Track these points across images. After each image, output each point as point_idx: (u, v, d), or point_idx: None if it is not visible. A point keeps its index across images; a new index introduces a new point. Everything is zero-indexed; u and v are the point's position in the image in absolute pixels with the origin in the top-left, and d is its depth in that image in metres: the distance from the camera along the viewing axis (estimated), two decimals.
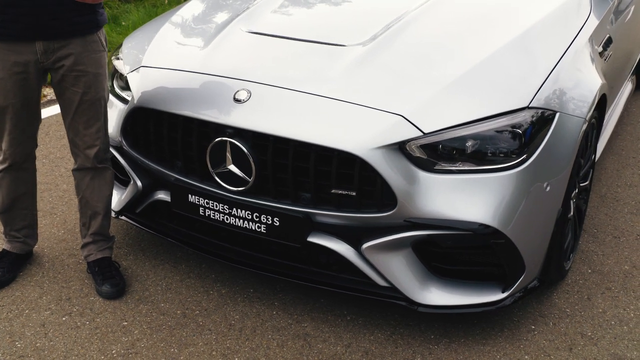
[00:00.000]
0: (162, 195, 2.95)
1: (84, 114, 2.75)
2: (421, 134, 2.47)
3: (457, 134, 2.50)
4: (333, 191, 2.52)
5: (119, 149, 3.04)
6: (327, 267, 2.74)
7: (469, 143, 2.50)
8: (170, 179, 2.83)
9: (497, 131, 2.52)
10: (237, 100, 2.64)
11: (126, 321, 2.81)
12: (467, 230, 2.48)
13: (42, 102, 5.07)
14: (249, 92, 2.65)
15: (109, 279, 2.97)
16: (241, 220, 2.69)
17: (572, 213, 2.99)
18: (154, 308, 2.89)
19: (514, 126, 2.52)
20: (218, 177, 2.68)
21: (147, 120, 2.84)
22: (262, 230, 2.67)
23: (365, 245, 2.58)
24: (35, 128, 2.86)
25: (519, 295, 2.70)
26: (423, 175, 2.48)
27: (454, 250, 2.65)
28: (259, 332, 2.76)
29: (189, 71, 2.86)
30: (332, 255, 2.68)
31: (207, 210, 2.75)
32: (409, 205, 2.47)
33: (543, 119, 2.59)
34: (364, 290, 2.69)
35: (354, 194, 2.50)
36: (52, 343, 2.68)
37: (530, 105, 2.57)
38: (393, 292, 2.64)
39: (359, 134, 2.47)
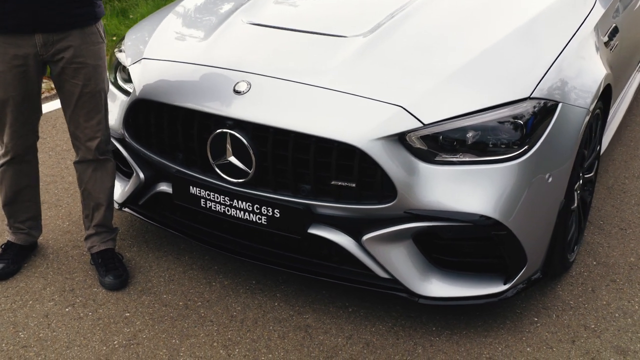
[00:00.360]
0: (164, 187, 2.96)
1: (84, 107, 2.76)
2: (421, 125, 2.46)
3: (457, 125, 2.48)
4: (333, 183, 2.51)
5: (121, 141, 3.05)
6: (328, 258, 2.74)
7: (470, 134, 2.49)
8: (172, 170, 2.83)
9: (499, 122, 2.50)
10: (237, 92, 2.64)
11: (128, 312, 2.82)
12: (468, 221, 2.46)
13: (48, 95, 5.12)
14: (249, 84, 2.65)
15: (112, 270, 2.98)
16: (242, 212, 2.69)
17: (575, 204, 2.96)
18: (157, 299, 2.90)
19: (515, 117, 2.50)
20: (219, 169, 2.68)
21: (149, 112, 2.84)
22: (263, 222, 2.66)
23: (365, 237, 2.58)
24: (36, 121, 2.87)
25: (522, 287, 2.69)
26: (423, 166, 2.47)
27: (455, 242, 2.64)
28: (260, 324, 2.77)
29: (189, 63, 2.86)
30: (332, 247, 2.68)
31: (208, 201, 2.75)
32: (409, 196, 2.46)
33: (545, 110, 2.57)
34: (364, 282, 2.68)
35: (353, 185, 2.49)
36: (55, 333, 2.69)
37: (532, 96, 2.55)
38: (394, 283, 2.63)
39: (359, 125, 2.46)
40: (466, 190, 2.47)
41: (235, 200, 2.68)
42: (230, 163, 2.64)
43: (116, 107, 3.06)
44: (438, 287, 2.62)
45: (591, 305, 2.90)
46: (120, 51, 3.25)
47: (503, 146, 2.49)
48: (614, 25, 3.42)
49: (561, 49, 2.81)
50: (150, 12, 7.39)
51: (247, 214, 2.68)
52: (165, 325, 2.75)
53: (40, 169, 3.95)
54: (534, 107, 2.54)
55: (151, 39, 3.13)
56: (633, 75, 4.56)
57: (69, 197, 3.72)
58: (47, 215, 3.52)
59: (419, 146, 2.48)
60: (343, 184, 2.51)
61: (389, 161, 2.43)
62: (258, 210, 2.65)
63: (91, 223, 3.01)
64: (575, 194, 2.95)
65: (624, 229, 3.47)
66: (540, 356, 2.61)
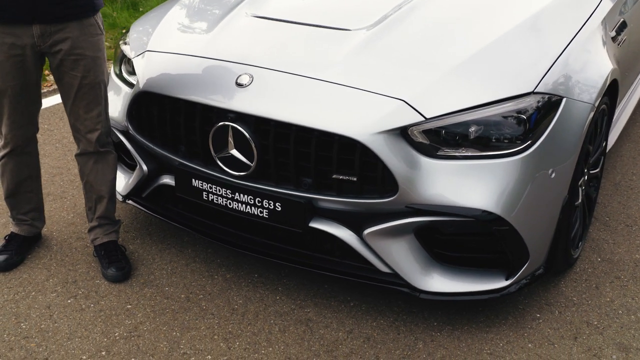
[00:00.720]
0: (167, 180, 2.96)
1: (84, 98, 2.76)
2: (423, 119, 2.44)
3: (460, 119, 2.47)
4: (334, 176, 2.51)
5: (125, 133, 3.05)
6: (330, 253, 2.73)
7: (473, 128, 2.47)
8: (175, 163, 2.83)
9: (502, 116, 2.48)
10: (239, 85, 2.63)
11: (130, 304, 2.83)
12: (470, 216, 2.45)
13: (55, 87, 5.13)
14: (252, 77, 2.64)
15: (114, 262, 2.99)
16: (243, 205, 2.68)
17: (580, 200, 2.94)
18: (159, 292, 2.91)
19: (519, 111, 2.48)
20: (221, 162, 2.68)
21: (152, 105, 2.84)
22: (264, 215, 2.66)
23: (366, 231, 2.57)
24: (35, 112, 2.87)
25: (525, 283, 2.67)
26: (425, 160, 2.46)
27: (457, 237, 2.63)
28: (261, 317, 2.76)
29: (192, 55, 2.85)
30: (334, 241, 2.67)
31: (210, 194, 2.75)
32: (411, 191, 2.45)
33: (549, 105, 2.55)
34: (366, 277, 2.67)
35: (355, 179, 2.48)
36: (56, 325, 2.71)
37: (536, 90, 2.53)
38: (395, 278, 2.62)
39: (360, 119, 2.45)
40: (468, 185, 2.46)
41: (237, 194, 2.68)
42: (232, 156, 2.64)
43: (120, 100, 3.06)
44: (439, 282, 2.61)
45: (594, 302, 2.88)
46: (125, 43, 3.25)
47: (506, 141, 2.47)
48: (622, 20, 3.38)
49: (567, 44, 2.79)
50: None
51: (248, 207, 2.68)
52: (166, 318, 2.75)
53: (46, 161, 4.00)
54: (538, 101, 2.52)
55: (155, 32, 3.13)
56: None
57: (74, 189, 3.73)
58: (52, 207, 3.54)
59: (421, 140, 2.46)
60: (344, 177, 2.50)
61: (391, 155, 2.42)
62: (260, 204, 2.65)
63: (94, 215, 3.02)
64: (580, 189, 2.92)
65: (630, 226, 3.44)
66: (542, 352, 2.59)
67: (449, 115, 2.46)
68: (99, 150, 2.88)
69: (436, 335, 2.68)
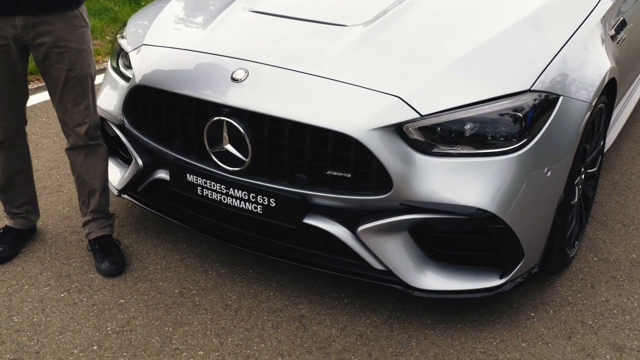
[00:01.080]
0: (163, 174, 2.95)
1: (71, 91, 2.74)
2: (418, 116, 2.43)
3: (455, 117, 2.45)
4: (328, 172, 2.49)
5: (121, 127, 3.04)
6: (324, 249, 2.72)
7: (468, 126, 2.45)
8: (170, 158, 2.82)
9: (498, 114, 2.47)
10: (234, 80, 2.62)
11: (123, 299, 2.82)
12: (464, 214, 2.43)
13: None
14: (247, 72, 2.63)
15: (108, 256, 2.98)
16: (238, 201, 2.67)
17: (576, 199, 2.93)
18: (152, 286, 2.90)
19: (515, 109, 2.47)
20: (215, 157, 2.67)
21: (147, 99, 2.83)
22: (258, 211, 2.65)
23: (361, 228, 2.56)
24: (22, 104, 2.85)
25: (520, 281, 2.66)
26: (420, 158, 2.44)
27: (451, 235, 2.61)
28: (254, 313, 2.76)
29: (188, 50, 2.84)
30: (328, 238, 2.66)
31: (204, 189, 2.74)
32: (405, 188, 2.44)
33: (546, 103, 2.53)
34: (359, 274, 2.66)
35: (349, 175, 2.47)
36: (48, 318, 2.70)
37: (532, 88, 2.51)
38: (389, 275, 2.61)
39: (355, 115, 2.44)
40: (463, 182, 2.44)
41: (231, 189, 2.67)
42: (227, 151, 2.63)
43: (117, 94, 3.05)
44: (433, 280, 2.60)
45: (590, 302, 2.86)
46: (122, 37, 3.23)
47: (502, 139, 2.46)
48: (621, 18, 3.36)
49: (565, 41, 2.77)
50: None
51: (242, 202, 2.67)
52: (159, 313, 2.74)
53: (43, 154, 4.00)
54: (535, 99, 2.50)
55: (152, 26, 3.11)
56: None
57: (70, 182, 3.72)
58: (47, 200, 3.53)
59: (416, 137, 2.45)
60: (339, 174, 2.49)
61: (385, 152, 2.41)
62: (254, 199, 2.64)
63: (88, 209, 3.01)
64: (576, 188, 2.91)
65: (627, 226, 3.43)
66: (535, 351, 2.58)
67: (445, 113, 2.45)
68: (88, 143, 2.86)
69: (429, 333, 2.67)
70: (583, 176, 3.00)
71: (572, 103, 2.62)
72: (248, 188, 2.63)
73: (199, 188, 2.76)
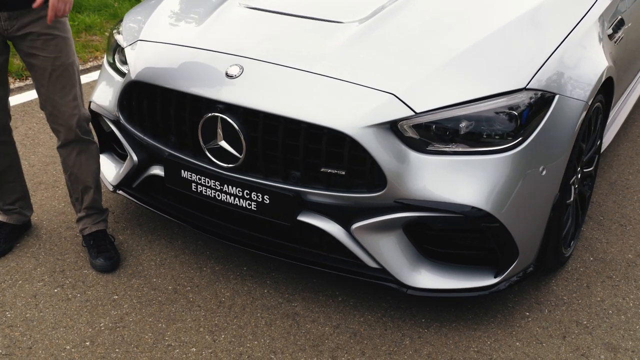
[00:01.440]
0: (157, 171, 2.94)
1: (58, 82, 2.71)
2: (413, 113, 2.42)
3: (450, 115, 2.44)
4: (322, 170, 2.48)
5: (116, 123, 3.03)
6: (318, 247, 2.71)
7: (463, 124, 2.44)
8: (165, 154, 2.81)
9: (493, 112, 2.45)
10: (229, 76, 2.61)
11: (117, 295, 2.81)
12: (459, 213, 2.42)
13: None
14: (241, 68, 2.62)
15: (103, 252, 2.97)
16: (232, 197, 2.67)
17: (572, 199, 2.92)
18: (146, 283, 2.89)
19: (510, 107, 2.46)
20: (210, 153, 2.66)
21: (142, 95, 2.82)
22: (253, 208, 2.64)
23: (355, 226, 2.55)
24: (4, 98, 2.83)
25: (515, 280, 2.65)
26: (414, 155, 2.43)
27: (446, 233, 2.60)
28: (248, 310, 2.75)
29: (183, 45, 2.83)
30: (322, 235, 2.65)
31: (199, 186, 2.73)
32: (399, 186, 2.43)
33: (542, 101, 2.52)
34: (353, 272, 2.65)
35: (343, 173, 2.46)
36: (41, 314, 2.69)
37: (528, 87, 2.50)
38: (383, 273, 2.60)
39: (350, 112, 2.42)
40: (458, 180, 2.43)
41: (225, 185, 2.66)
42: (221, 147, 2.62)
43: (112, 89, 3.05)
44: (427, 279, 2.59)
45: (585, 302, 2.85)
46: (119, 33, 3.22)
47: (497, 137, 2.45)
48: (620, 17, 3.35)
49: (562, 40, 2.76)
50: None
51: (237, 199, 2.66)
52: (152, 309, 2.74)
53: (40, 150, 3.99)
54: (530, 98, 2.49)
55: (148, 21, 3.10)
56: None
57: None
58: (43, 195, 3.52)
59: (410, 135, 2.44)
60: (333, 171, 2.48)
61: (380, 149, 2.40)
62: (248, 196, 2.63)
63: (81, 206, 3.00)
64: (572, 188, 2.90)
65: (624, 225, 3.41)
66: (530, 351, 2.57)
67: (440, 110, 2.44)
68: (80, 137, 2.83)
69: (423, 332, 2.66)
70: (579, 175, 2.99)
71: (568, 102, 2.61)
72: (242, 185, 2.62)
73: (193, 184, 2.75)
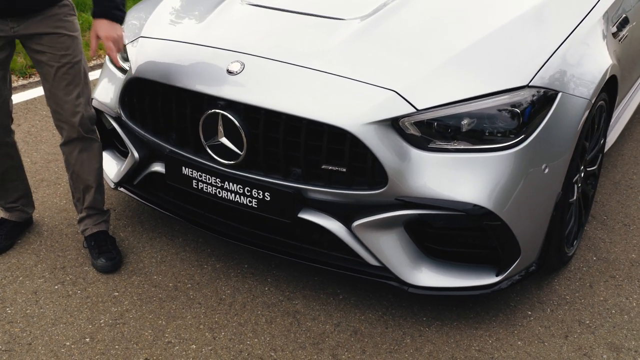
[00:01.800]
0: (158, 168, 2.94)
1: (63, 79, 2.71)
2: (414, 110, 2.40)
3: (452, 112, 2.43)
4: (323, 167, 2.47)
5: (118, 120, 3.03)
6: (319, 244, 2.70)
7: (465, 121, 2.43)
8: (165, 151, 2.80)
9: (495, 110, 2.44)
10: (230, 72, 2.60)
11: (117, 292, 2.81)
12: (460, 210, 2.41)
13: None
14: (242, 64, 2.61)
15: (105, 252, 2.96)
16: (232, 194, 2.66)
17: (575, 197, 2.90)
18: (147, 280, 2.88)
19: (512, 105, 2.44)
20: (210, 150, 2.65)
21: (143, 91, 2.82)
22: (253, 205, 2.63)
23: (355, 223, 2.53)
24: (7, 97, 2.83)
25: (517, 279, 2.63)
26: (416, 153, 2.42)
27: (447, 231, 2.59)
28: (248, 308, 2.74)
29: (185, 42, 2.82)
30: (323, 233, 2.64)
31: (200, 183, 2.73)
32: (401, 183, 2.41)
33: (544, 99, 2.50)
34: (354, 269, 2.64)
35: (344, 170, 2.45)
36: (42, 310, 2.69)
37: (531, 84, 2.49)
38: (384, 271, 2.59)
39: (351, 109, 2.41)
40: (459, 178, 2.42)
41: (226, 182, 2.65)
42: (222, 144, 2.61)
43: (113, 86, 3.04)
44: (428, 277, 2.58)
45: (588, 301, 2.83)
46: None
47: (499, 135, 2.43)
48: (624, 15, 3.33)
49: (565, 37, 2.74)
50: None
51: (237, 196, 2.65)
52: (152, 306, 2.73)
53: (42, 147, 4.00)
54: (533, 95, 2.48)
55: (150, 18, 3.10)
56: None
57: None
58: (45, 192, 3.52)
59: (412, 132, 2.43)
60: (334, 168, 2.46)
61: (381, 146, 2.38)
62: (248, 193, 2.62)
63: (83, 206, 2.99)
64: (575, 186, 2.88)
65: (628, 225, 3.39)
66: (531, 350, 2.56)
67: (441, 107, 2.42)
68: (83, 135, 2.83)
69: (424, 331, 2.65)
70: (582, 174, 2.97)
71: (571, 99, 2.59)
72: (243, 182, 2.61)
73: (194, 181, 2.74)
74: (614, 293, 2.89)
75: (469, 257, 2.62)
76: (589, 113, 2.71)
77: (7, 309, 2.68)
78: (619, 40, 3.21)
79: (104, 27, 2.61)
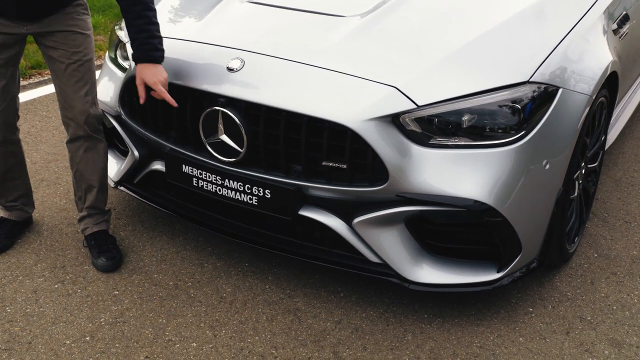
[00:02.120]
0: (159, 166, 2.93)
1: (73, 75, 2.72)
2: (415, 106, 2.40)
3: (453, 108, 2.42)
4: (324, 163, 2.47)
5: (118, 118, 3.02)
6: (320, 241, 2.69)
7: (466, 117, 2.42)
8: (166, 149, 2.80)
9: (496, 105, 2.43)
10: (230, 70, 2.59)
11: (118, 290, 2.80)
12: (462, 206, 2.40)
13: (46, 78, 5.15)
14: (243, 62, 2.60)
15: (105, 252, 2.95)
16: (233, 192, 2.65)
17: (576, 194, 2.89)
18: (147, 278, 2.88)
19: (513, 101, 2.44)
20: (211, 148, 2.65)
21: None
22: (254, 202, 2.62)
23: (356, 220, 2.53)
24: (14, 94, 2.82)
25: (518, 276, 2.63)
26: (416, 149, 2.41)
27: (448, 228, 2.58)
28: (249, 306, 2.73)
29: (185, 40, 2.82)
30: (324, 230, 2.63)
31: (200, 181, 2.72)
32: (401, 179, 2.41)
33: (545, 95, 2.50)
34: (355, 267, 2.63)
35: (345, 166, 2.44)
36: (42, 309, 2.68)
37: (531, 80, 2.48)
38: (385, 268, 2.58)
39: (351, 105, 2.41)
40: (460, 174, 2.41)
41: (226, 180, 2.65)
42: (222, 142, 2.60)
43: (114, 85, 3.04)
44: (429, 274, 2.57)
45: (589, 297, 2.83)
46: (120, 29, 3.22)
47: (500, 130, 2.43)
48: (624, 12, 3.33)
49: (566, 33, 2.74)
50: None
51: (238, 193, 2.64)
52: (153, 305, 2.72)
53: (42, 147, 3.99)
54: (534, 91, 2.47)
55: None
56: None
57: (68, 175, 3.71)
58: (45, 192, 3.51)
59: (412, 128, 2.42)
60: (334, 165, 2.46)
61: (382, 143, 2.38)
62: (249, 190, 2.61)
63: (84, 205, 2.98)
64: (576, 183, 2.88)
65: (629, 222, 3.39)
66: (533, 346, 2.55)
67: (442, 103, 2.42)
68: (89, 134, 2.82)
69: (426, 327, 2.64)
70: (583, 171, 2.96)
71: (571, 95, 2.59)
72: (243, 179, 2.61)
73: (194, 179, 2.73)
74: (615, 289, 2.88)
75: (470, 253, 2.61)
76: (590, 109, 2.70)
77: (7, 308, 2.68)
78: (620, 38, 3.21)
79: (148, 72, 2.61)
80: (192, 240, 3.15)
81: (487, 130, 2.43)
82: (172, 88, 2.68)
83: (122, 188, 3.15)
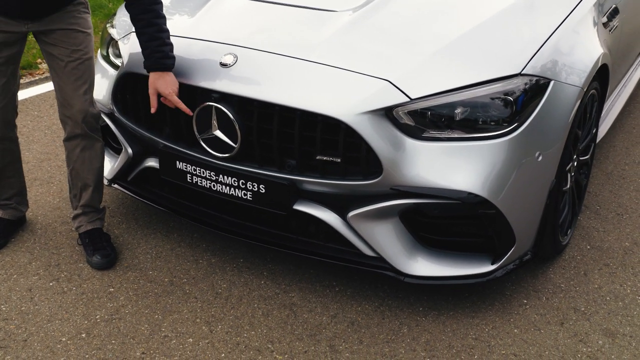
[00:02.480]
0: (152, 163, 2.93)
1: (72, 73, 2.72)
2: (408, 99, 2.41)
3: (445, 101, 2.43)
4: (318, 157, 2.47)
5: (111, 116, 3.02)
6: (314, 236, 2.70)
7: (459, 110, 2.44)
8: (159, 145, 2.80)
9: (488, 98, 2.45)
10: (223, 65, 2.60)
11: (113, 287, 2.80)
12: (456, 199, 2.41)
13: (48, 75, 5.11)
14: (236, 57, 2.61)
15: (99, 250, 2.94)
16: (227, 187, 2.65)
17: (568, 186, 2.91)
18: (142, 275, 2.88)
19: (505, 93, 2.45)
20: (204, 143, 2.65)
21: (136, 86, 2.81)
22: (248, 198, 2.63)
23: (351, 214, 2.54)
24: (14, 92, 2.82)
25: (512, 268, 2.64)
26: (410, 142, 2.42)
27: (442, 220, 2.59)
28: (245, 301, 2.73)
29: (177, 36, 2.81)
30: (318, 224, 2.64)
31: (194, 177, 2.72)
32: (395, 172, 2.42)
33: (537, 87, 2.52)
34: (350, 260, 2.64)
35: (338, 160, 2.45)
36: (37, 307, 2.67)
37: (523, 72, 2.50)
38: (379, 262, 2.59)
39: (344, 99, 2.42)
40: (454, 167, 2.42)
41: (220, 176, 2.65)
42: (216, 137, 2.61)
43: (106, 82, 3.04)
44: (424, 266, 2.58)
45: (582, 289, 2.85)
46: (112, 26, 3.22)
47: (492, 123, 2.44)
48: (613, 6, 3.35)
49: (557, 26, 2.76)
50: None
51: (232, 189, 2.65)
52: (148, 301, 2.72)
53: (34, 147, 3.98)
54: (525, 83, 2.49)
55: None
56: (638, 62, 4.49)
57: (61, 174, 3.70)
58: (38, 191, 3.51)
59: (406, 121, 2.43)
60: (328, 159, 2.47)
61: (375, 136, 2.39)
62: (243, 186, 2.62)
63: (78, 203, 2.98)
64: (569, 175, 2.89)
65: (621, 214, 3.41)
66: (528, 337, 2.56)
67: (435, 96, 2.43)
68: (86, 132, 2.82)
69: (421, 320, 2.65)
70: (575, 163, 2.98)
71: (563, 87, 2.61)
72: (237, 174, 2.61)
73: (188, 175, 2.74)
74: (608, 280, 2.90)
75: (464, 246, 2.62)
76: (581, 101, 2.72)
77: (2, 307, 2.67)
78: (610, 31, 3.23)
79: (162, 83, 2.61)
80: (187, 237, 3.15)
81: (480, 122, 2.44)
82: None
83: (115, 186, 3.15)
